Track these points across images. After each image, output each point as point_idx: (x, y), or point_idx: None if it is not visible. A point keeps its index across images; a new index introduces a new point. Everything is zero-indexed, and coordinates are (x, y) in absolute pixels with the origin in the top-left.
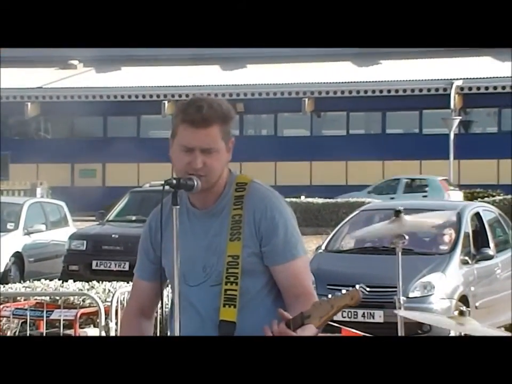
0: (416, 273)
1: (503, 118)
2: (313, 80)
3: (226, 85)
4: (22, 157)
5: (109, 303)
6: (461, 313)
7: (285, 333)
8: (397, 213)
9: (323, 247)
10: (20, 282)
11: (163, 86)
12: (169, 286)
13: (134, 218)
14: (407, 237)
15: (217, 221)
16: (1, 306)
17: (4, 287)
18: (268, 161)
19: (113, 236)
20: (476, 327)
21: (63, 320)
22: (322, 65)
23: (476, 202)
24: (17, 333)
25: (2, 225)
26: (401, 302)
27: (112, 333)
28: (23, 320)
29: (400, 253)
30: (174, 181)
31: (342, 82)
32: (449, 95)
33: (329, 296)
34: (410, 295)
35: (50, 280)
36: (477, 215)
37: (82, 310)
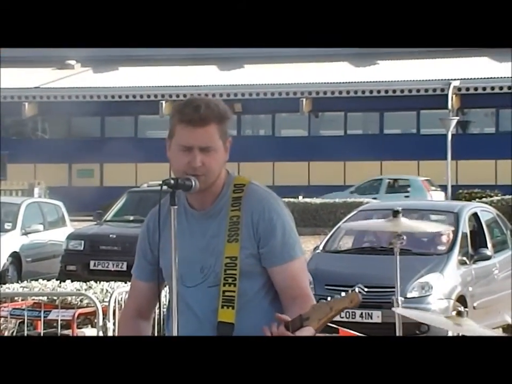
0: (414, 273)
1: (500, 119)
2: (311, 80)
3: (224, 85)
4: (20, 157)
5: (107, 303)
6: (459, 313)
7: (284, 334)
8: (395, 213)
9: (321, 247)
10: (18, 282)
11: (161, 86)
12: (167, 286)
13: (131, 218)
14: (405, 237)
15: (215, 222)
16: None
17: (2, 287)
18: (266, 162)
19: (111, 236)
20: (473, 327)
21: (61, 320)
22: (320, 65)
23: (473, 202)
24: (14, 333)
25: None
26: (399, 302)
27: (110, 333)
28: (20, 320)
29: (398, 253)
30: (172, 181)
31: (340, 83)
32: (446, 95)
33: (329, 298)
34: (408, 295)
35: (48, 280)
36: (475, 216)
37: (80, 310)
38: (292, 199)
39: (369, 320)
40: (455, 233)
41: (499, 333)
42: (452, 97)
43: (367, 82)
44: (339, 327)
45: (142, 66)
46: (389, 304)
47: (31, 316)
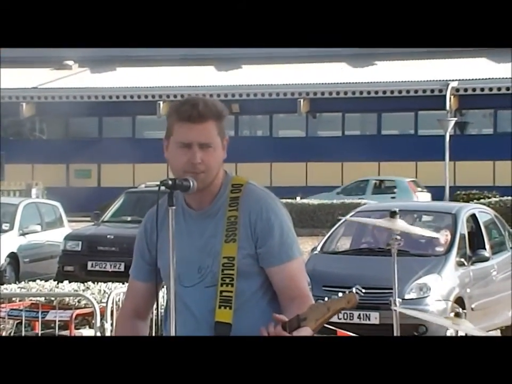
0: (412, 274)
1: (499, 120)
2: (308, 81)
3: (222, 86)
4: (17, 157)
5: (104, 304)
6: (457, 315)
7: (281, 335)
8: (393, 214)
9: (318, 248)
10: (15, 283)
11: (158, 87)
12: (165, 287)
13: (129, 219)
14: (399, 237)
15: (213, 222)
16: None
17: None
18: (263, 162)
19: (108, 236)
20: (469, 330)
21: (59, 321)
22: (317, 66)
23: (471, 204)
24: (12, 334)
25: None
26: (397, 303)
27: (108, 334)
28: (18, 321)
29: (395, 254)
30: (170, 182)
31: (338, 83)
32: (444, 96)
33: (326, 299)
34: (406, 296)
35: (46, 281)
36: (473, 217)
37: (77, 311)
38: (289, 200)
39: (367, 322)
40: (453, 234)
41: (491, 334)
42: (450, 98)
43: (365, 83)
44: (337, 329)
45: (139, 66)
46: (387, 306)
47: (28, 317)
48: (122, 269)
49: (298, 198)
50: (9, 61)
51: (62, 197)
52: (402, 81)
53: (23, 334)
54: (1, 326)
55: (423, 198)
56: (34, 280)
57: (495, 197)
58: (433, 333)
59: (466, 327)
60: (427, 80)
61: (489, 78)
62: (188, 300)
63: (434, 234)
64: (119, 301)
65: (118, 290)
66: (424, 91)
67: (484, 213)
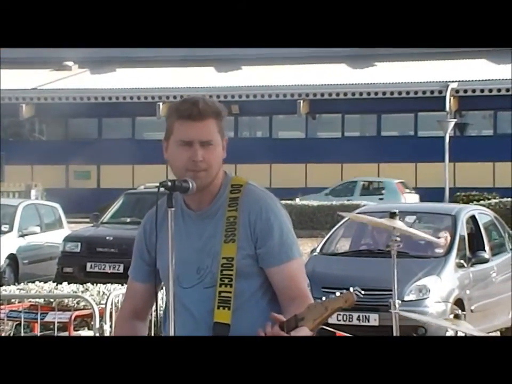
0: (411, 276)
1: (498, 121)
2: (308, 82)
3: (221, 87)
4: (17, 159)
5: (103, 306)
6: (456, 316)
7: (279, 335)
8: (392, 215)
9: (318, 250)
10: (14, 284)
11: (158, 88)
12: (164, 288)
13: (128, 220)
14: (399, 239)
15: (212, 223)
16: None
17: None
18: (263, 164)
19: (107, 238)
20: (468, 331)
21: (58, 322)
22: (317, 67)
23: (471, 205)
24: (11, 335)
25: None
26: (397, 305)
27: (107, 335)
28: (17, 323)
29: (395, 256)
30: (169, 183)
31: (337, 84)
32: (444, 97)
33: (323, 298)
34: (406, 298)
35: (45, 282)
36: (473, 218)
37: (76, 313)
38: (289, 201)
39: (366, 323)
40: (453, 236)
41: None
42: (450, 99)
43: (364, 84)
44: (336, 331)
45: (139, 67)
46: (386, 307)
47: (27, 318)
48: (121, 270)
49: (297, 200)
50: (9, 62)
51: (62, 198)
52: (402, 83)
53: (22, 336)
54: (1, 327)
55: (410, 199)
56: (33, 282)
57: (494, 199)
58: (433, 335)
59: (466, 329)
60: (427, 81)
61: (489, 79)
62: (186, 300)
63: (433, 239)
64: (118, 302)
65: (117, 291)
66: (424, 92)
67: (484, 215)
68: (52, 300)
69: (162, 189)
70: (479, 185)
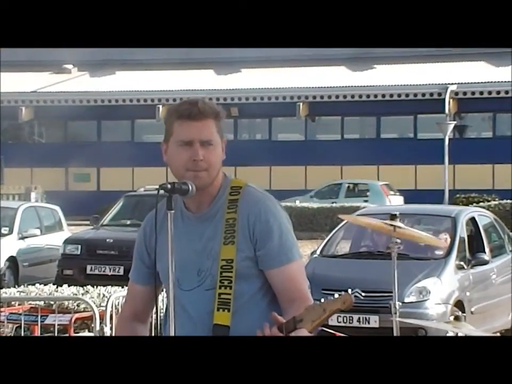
0: (411, 278)
1: (498, 123)
2: (307, 84)
3: (221, 89)
4: (16, 161)
5: (104, 308)
6: (457, 318)
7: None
8: (393, 216)
9: (318, 252)
10: (14, 287)
11: (157, 90)
12: (164, 290)
13: (128, 222)
14: (399, 241)
15: (211, 225)
16: None
17: None
18: (263, 166)
19: (107, 240)
20: (469, 333)
21: (58, 325)
22: (316, 69)
23: (471, 207)
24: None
25: None
26: (397, 307)
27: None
28: (17, 325)
29: (395, 258)
30: (169, 186)
31: (337, 87)
32: (444, 99)
33: (322, 300)
34: (406, 300)
35: (45, 285)
36: (472, 220)
37: (76, 315)
38: (288, 204)
39: (367, 325)
40: (453, 237)
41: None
42: (449, 102)
43: (364, 86)
44: (336, 332)
45: (138, 70)
46: (387, 309)
47: (28, 321)
48: (121, 272)
49: (297, 202)
50: (8, 65)
51: (61, 201)
52: (401, 85)
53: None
54: (1, 330)
55: (395, 201)
56: (33, 284)
57: (494, 200)
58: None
59: (468, 331)
60: (426, 84)
61: (488, 82)
62: (186, 303)
63: (435, 242)
64: (118, 304)
65: (117, 294)
66: (424, 94)
67: (483, 216)
68: (52, 302)
69: (162, 192)
70: (478, 187)
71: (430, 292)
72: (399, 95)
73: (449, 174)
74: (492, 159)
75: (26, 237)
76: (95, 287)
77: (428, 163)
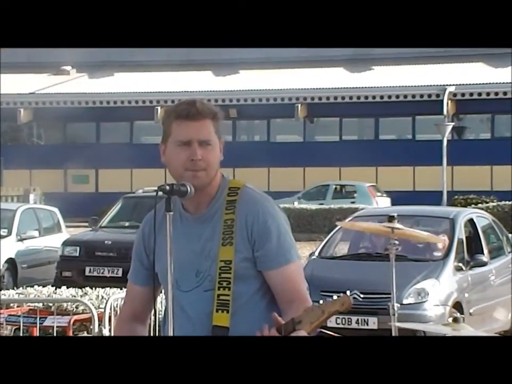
0: (410, 279)
1: (496, 124)
2: (306, 86)
3: (219, 91)
4: (15, 163)
5: (102, 310)
6: (455, 320)
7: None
8: (391, 218)
9: (316, 253)
10: (13, 288)
11: (156, 92)
12: (163, 291)
13: (127, 224)
14: (397, 242)
15: (210, 226)
16: None
17: None
18: (261, 167)
19: (106, 242)
20: (469, 334)
21: (56, 326)
22: (315, 71)
23: (469, 208)
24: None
25: None
26: (395, 308)
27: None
28: (16, 327)
29: (394, 259)
30: (168, 187)
31: (335, 88)
32: (442, 101)
33: (321, 301)
34: (404, 301)
35: (44, 287)
36: (471, 222)
37: (75, 317)
38: (287, 205)
39: (365, 327)
40: (451, 239)
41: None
42: (447, 103)
43: (362, 88)
44: (335, 334)
45: (137, 72)
46: (385, 311)
47: (26, 323)
48: (120, 274)
49: (296, 203)
50: (7, 66)
51: (60, 202)
52: (399, 86)
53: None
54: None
55: (382, 203)
56: (32, 286)
57: (492, 202)
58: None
59: (466, 332)
60: (424, 85)
61: (486, 83)
62: (185, 304)
63: (435, 239)
64: (117, 306)
65: (116, 295)
66: (422, 96)
67: (482, 218)
68: (50, 304)
69: (160, 193)
70: (477, 188)
71: (428, 294)
72: (397, 97)
73: (447, 176)
74: (490, 161)
75: (25, 239)
76: (93, 289)
77: (426, 164)
